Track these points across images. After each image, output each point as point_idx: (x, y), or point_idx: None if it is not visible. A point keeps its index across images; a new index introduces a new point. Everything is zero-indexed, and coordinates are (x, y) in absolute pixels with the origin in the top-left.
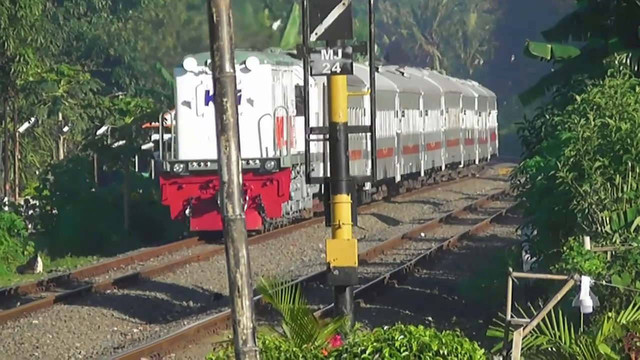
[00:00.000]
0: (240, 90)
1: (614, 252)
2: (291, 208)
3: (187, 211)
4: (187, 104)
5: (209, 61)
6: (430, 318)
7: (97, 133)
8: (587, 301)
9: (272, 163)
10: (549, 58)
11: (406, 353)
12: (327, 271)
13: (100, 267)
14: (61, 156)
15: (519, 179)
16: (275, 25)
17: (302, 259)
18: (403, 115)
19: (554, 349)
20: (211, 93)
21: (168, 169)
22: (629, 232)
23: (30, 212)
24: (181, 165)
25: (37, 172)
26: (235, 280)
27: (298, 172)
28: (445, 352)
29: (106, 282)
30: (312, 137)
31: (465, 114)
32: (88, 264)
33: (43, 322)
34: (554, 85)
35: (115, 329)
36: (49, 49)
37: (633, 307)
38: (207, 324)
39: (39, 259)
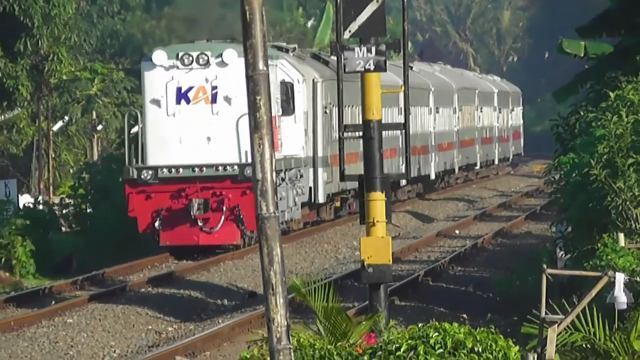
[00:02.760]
0: (216, 87)
1: None
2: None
3: (156, 224)
4: (157, 102)
5: (180, 54)
6: (464, 315)
7: (131, 131)
8: (621, 298)
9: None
10: (582, 55)
11: (441, 350)
12: (361, 269)
13: (135, 265)
14: (95, 155)
15: (553, 175)
16: (309, 23)
17: (337, 257)
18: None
19: (588, 345)
20: (183, 90)
21: (135, 176)
22: None
23: (65, 210)
24: (149, 172)
25: (71, 171)
26: (269, 279)
27: (284, 179)
28: (480, 350)
29: (140, 281)
30: (294, 138)
31: (481, 111)
32: (122, 262)
33: (77, 321)
34: (588, 82)
35: (150, 327)
36: (83, 47)
37: None
38: (241, 322)
39: (73, 258)
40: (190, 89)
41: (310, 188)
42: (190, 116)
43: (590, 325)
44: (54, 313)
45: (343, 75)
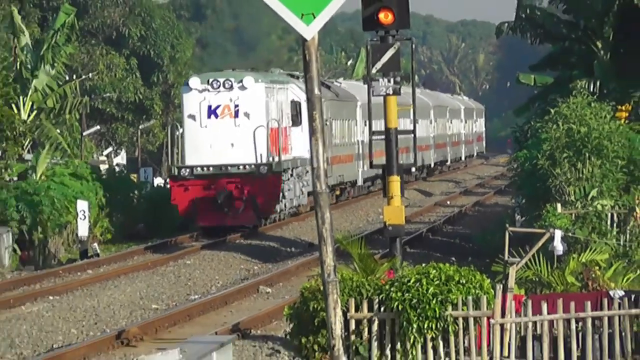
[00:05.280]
0: (238, 105)
1: (576, 214)
2: (285, 206)
3: (192, 209)
4: (192, 117)
5: (210, 80)
6: (453, 258)
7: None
8: (559, 247)
9: (265, 168)
10: (532, 84)
11: (437, 282)
12: (384, 227)
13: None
14: None
15: (513, 165)
16: (349, 62)
17: (368, 220)
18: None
19: (536, 279)
20: (213, 107)
21: (176, 173)
22: (586, 200)
23: None
24: (187, 170)
25: None
26: (322, 233)
27: (292, 175)
28: (464, 281)
29: (236, 236)
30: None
31: (451, 122)
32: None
33: (193, 262)
34: (537, 102)
35: (242, 267)
36: None
37: (589, 250)
38: (303, 263)
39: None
40: (218, 106)
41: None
42: (218, 127)
43: (538, 265)
44: (177, 257)
45: (341, 97)
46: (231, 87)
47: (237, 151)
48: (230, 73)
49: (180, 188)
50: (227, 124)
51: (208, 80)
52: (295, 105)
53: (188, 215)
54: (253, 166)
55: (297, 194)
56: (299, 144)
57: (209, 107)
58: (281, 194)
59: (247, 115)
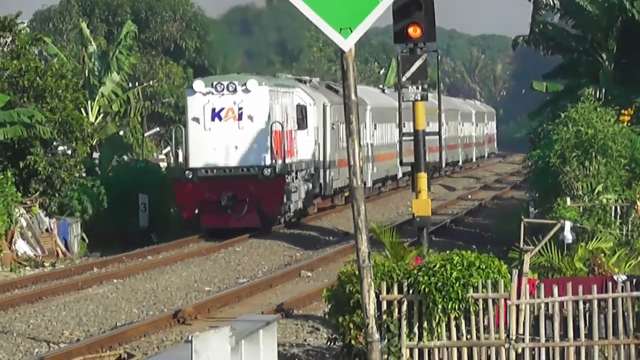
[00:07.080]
0: (242, 108)
1: (584, 207)
2: (289, 208)
3: (196, 211)
4: (196, 119)
5: (214, 83)
6: (474, 246)
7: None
8: (568, 236)
9: (269, 170)
10: (545, 91)
11: (460, 267)
12: (412, 218)
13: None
14: None
15: (528, 163)
16: (381, 71)
17: (398, 212)
18: (404, 126)
19: (548, 264)
20: (217, 111)
21: (180, 175)
22: (593, 195)
23: None
24: (191, 172)
25: None
26: (358, 224)
27: (296, 177)
28: (484, 267)
29: (280, 226)
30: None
31: (463, 125)
32: None
33: (242, 249)
34: (548, 107)
35: (286, 253)
36: None
37: (596, 239)
38: (340, 250)
39: None
40: (222, 109)
41: (320, 184)
42: (221, 130)
43: (550, 252)
44: (228, 244)
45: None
46: (235, 90)
47: (241, 154)
48: (234, 76)
49: (184, 190)
50: (231, 127)
51: (212, 84)
52: (301, 109)
53: (192, 216)
54: (257, 168)
55: (302, 196)
56: (304, 147)
57: (213, 110)
58: (285, 196)
59: (250, 118)
